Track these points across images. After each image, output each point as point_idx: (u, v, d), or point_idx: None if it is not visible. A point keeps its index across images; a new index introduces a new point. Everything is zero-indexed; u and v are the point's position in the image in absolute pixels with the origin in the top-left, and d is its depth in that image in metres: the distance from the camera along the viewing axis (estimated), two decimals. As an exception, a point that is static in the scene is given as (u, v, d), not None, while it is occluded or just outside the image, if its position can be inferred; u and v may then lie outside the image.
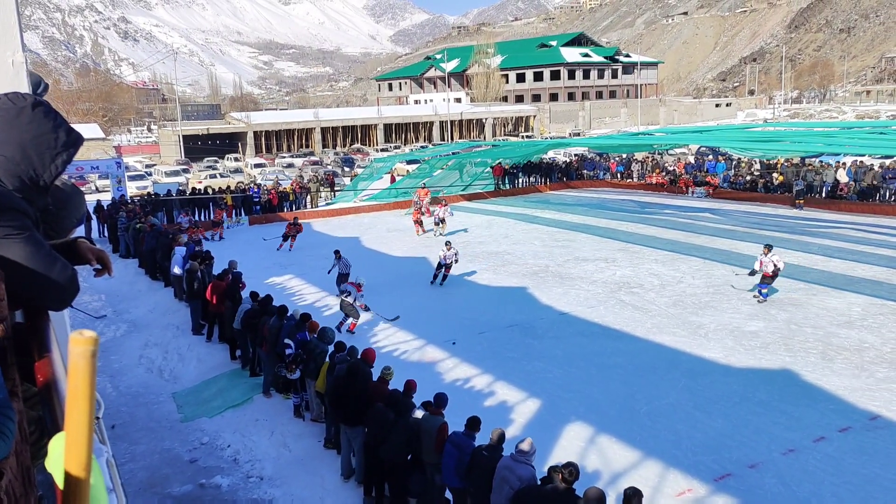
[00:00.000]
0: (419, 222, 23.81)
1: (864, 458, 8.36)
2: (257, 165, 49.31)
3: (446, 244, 17.00)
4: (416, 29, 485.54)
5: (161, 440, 10.09)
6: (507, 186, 33.84)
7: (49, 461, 1.12)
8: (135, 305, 16.87)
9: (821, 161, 29.81)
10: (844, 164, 28.12)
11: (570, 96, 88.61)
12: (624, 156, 36.36)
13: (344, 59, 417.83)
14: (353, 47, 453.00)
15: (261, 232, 25.01)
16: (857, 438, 8.84)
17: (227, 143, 64.82)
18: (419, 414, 7.68)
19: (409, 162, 38.16)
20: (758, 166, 32.32)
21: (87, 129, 51.16)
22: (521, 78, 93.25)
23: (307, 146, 67.95)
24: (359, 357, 8.91)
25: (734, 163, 33.51)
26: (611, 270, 17.85)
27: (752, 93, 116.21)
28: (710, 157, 35.26)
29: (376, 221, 27.31)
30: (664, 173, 33.83)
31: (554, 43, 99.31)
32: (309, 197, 31.03)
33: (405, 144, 70.16)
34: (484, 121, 78.44)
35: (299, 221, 22.83)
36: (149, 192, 31.43)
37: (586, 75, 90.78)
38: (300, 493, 8.43)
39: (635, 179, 35.07)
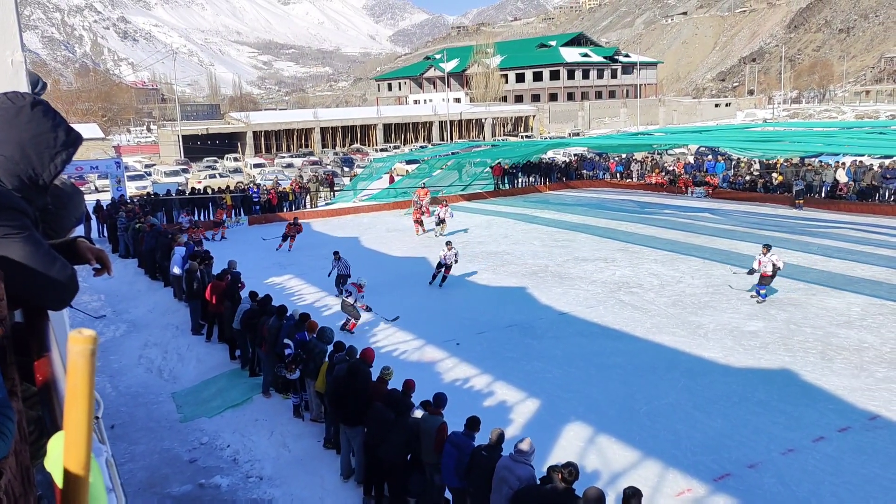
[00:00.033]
0: (419, 222, 23.82)
1: (864, 457, 8.37)
2: (257, 165, 49.31)
3: (447, 244, 16.99)
4: (416, 29, 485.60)
5: (160, 440, 10.09)
6: (507, 186, 33.84)
7: (48, 461, 1.12)
8: (134, 305, 16.87)
9: (820, 161, 29.82)
10: (844, 164, 28.12)
11: (570, 96, 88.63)
12: (623, 156, 36.35)
13: (343, 59, 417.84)
14: (353, 47, 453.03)
15: (260, 232, 25.00)
16: (856, 438, 8.85)
17: (227, 143, 64.82)
18: (418, 414, 7.68)
19: (409, 162, 38.17)
20: (757, 166, 32.33)
21: (87, 129, 51.11)
22: (520, 78, 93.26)
23: (306, 146, 67.95)
24: (358, 357, 8.91)
25: (734, 163, 33.51)
26: (610, 270, 17.86)
27: (751, 93, 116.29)
28: (710, 157, 35.26)
29: (376, 221, 27.30)
30: (663, 173, 33.83)
31: (553, 43, 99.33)
32: (308, 197, 31.03)
33: (404, 144, 70.16)
34: (483, 121, 78.44)
35: (299, 221, 22.81)
36: (148, 192, 31.42)
37: (586, 75, 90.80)
38: (300, 493, 8.43)
39: (635, 179, 35.07)
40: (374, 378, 8.59)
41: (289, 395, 10.50)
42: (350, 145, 68.96)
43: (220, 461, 9.40)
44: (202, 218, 26.90)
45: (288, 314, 10.93)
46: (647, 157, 37.14)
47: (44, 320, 1.78)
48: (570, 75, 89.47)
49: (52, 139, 1.75)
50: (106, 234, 24.61)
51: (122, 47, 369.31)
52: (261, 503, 8.38)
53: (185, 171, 46.32)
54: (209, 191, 29.84)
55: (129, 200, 26.49)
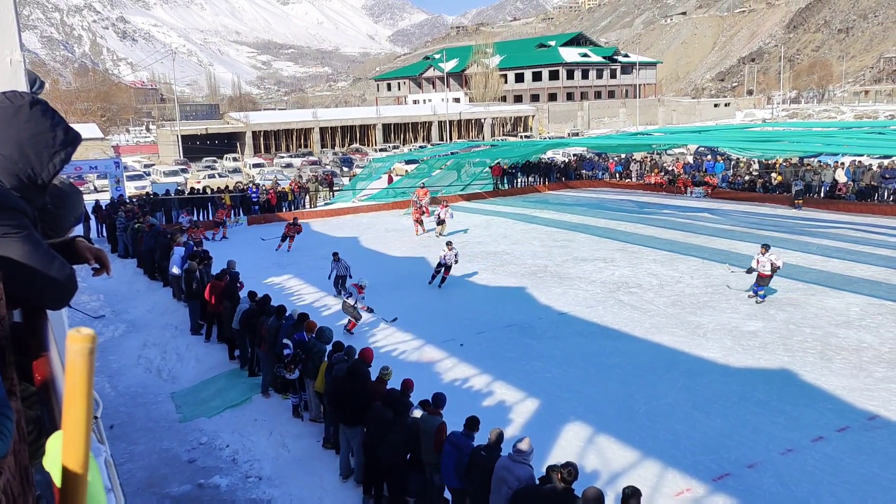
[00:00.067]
0: (420, 222, 23.83)
1: (863, 457, 8.37)
2: (256, 165, 49.31)
3: (447, 244, 16.98)
4: (415, 29, 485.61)
5: (160, 440, 10.08)
6: (506, 186, 33.84)
7: (47, 460, 1.12)
8: (133, 305, 16.86)
9: (819, 161, 29.84)
10: (843, 163, 28.15)
11: (569, 96, 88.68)
12: (622, 156, 36.37)
13: (342, 59, 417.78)
14: (352, 47, 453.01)
15: (259, 232, 25.00)
16: (855, 438, 8.85)
17: (226, 143, 64.85)
18: (417, 413, 7.68)
19: (408, 162, 38.18)
20: (756, 166, 32.35)
21: (86, 129, 51.07)
22: (519, 78, 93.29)
23: (306, 146, 67.94)
24: (357, 357, 8.90)
25: (733, 163, 33.53)
26: (609, 270, 17.86)
27: (750, 93, 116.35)
28: (709, 156, 35.27)
29: (375, 221, 27.31)
30: (663, 173, 33.84)
31: (553, 43, 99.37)
32: (307, 197, 31.03)
33: (404, 144, 70.17)
34: (483, 121, 78.45)
35: (299, 222, 22.79)
36: (147, 192, 31.43)
37: (585, 75, 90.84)
38: (299, 492, 8.43)
39: (634, 179, 35.08)
40: (374, 378, 8.59)
41: (288, 395, 10.50)
42: (349, 145, 68.96)
43: (220, 461, 9.40)
44: (202, 218, 26.89)
45: (287, 314, 10.93)
46: (647, 157, 37.17)
47: (42, 320, 1.78)
48: (570, 75, 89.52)
49: (50, 138, 1.75)
50: (105, 234, 24.61)
51: (121, 47, 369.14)
52: (260, 503, 8.38)
53: (184, 171, 46.32)
54: (208, 191, 29.83)
55: (128, 200, 26.48)
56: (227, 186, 31.13)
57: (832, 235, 20.87)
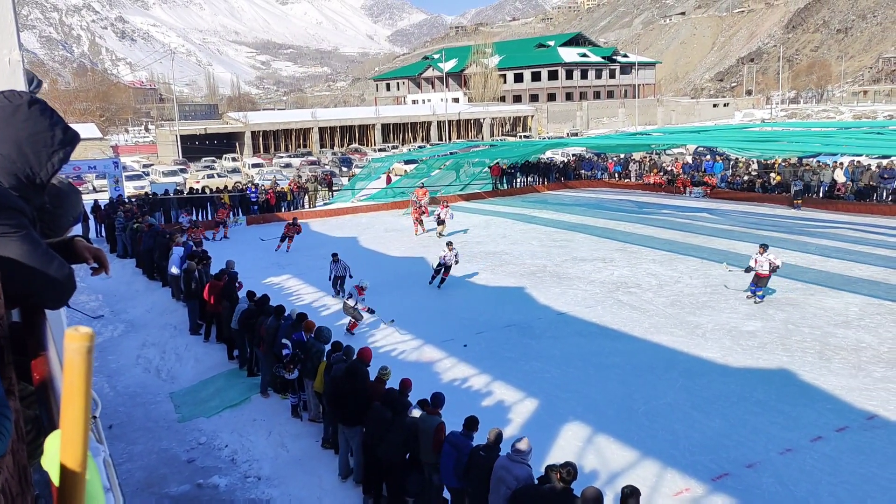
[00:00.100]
0: (420, 221, 23.83)
1: (862, 457, 8.37)
2: (255, 165, 49.28)
3: (448, 244, 16.98)
4: (414, 29, 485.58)
5: (158, 440, 10.08)
6: (505, 186, 33.84)
7: (45, 459, 1.12)
8: (132, 305, 16.85)
9: (818, 161, 29.85)
10: (842, 164, 28.17)
11: (568, 96, 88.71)
12: (622, 156, 36.38)
13: (341, 59, 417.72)
14: (351, 47, 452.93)
15: (258, 232, 24.99)
16: (854, 438, 8.86)
17: (225, 143, 64.81)
18: (416, 413, 7.68)
19: (407, 162, 38.17)
20: (755, 166, 32.36)
21: (85, 129, 51.07)
22: (518, 78, 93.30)
23: (305, 146, 67.91)
24: (355, 357, 8.90)
25: (732, 163, 33.54)
26: (608, 270, 17.87)
27: (749, 93, 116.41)
28: (708, 157, 35.28)
29: (374, 221, 27.30)
30: (662, 173, 33.86)
31: (552, 43, 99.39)
32: (307, 197, 31.02)
33: (403, 144, 70.15)
34: (482, 121, 78.45)
35: (298, 222, 22.77)
36: (146, 192, 31.41)
37: (584, 75, 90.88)
38: (298, 492, 8.42)
39: (633, 179, 35.09)
40: (372, 378, 8.59)
41: (287, 395, 10.49)
42: (348, 145, 68.94)
43: (219, 461, 9.40)
44: (201, 218, 26.87)
45: (286, 314, 10.93)
46: (646, 157, 37.18)
47: (41, 319, 1.78)
48: (569, 75, 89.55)
49: (49, 137, 1.75)
50: (104, 233, 24.61)
51: (120, 47, 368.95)
52: (259, 503, 8.37)
53: (183, 171, 46.32)
54: (207, 191, 29.82)
55: (127, 200, 26.47)
56: (225, 186, 31.12)
57: (831, 235, 20.89)
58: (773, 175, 29.54)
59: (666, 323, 13.61)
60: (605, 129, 77.20)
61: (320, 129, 69.54)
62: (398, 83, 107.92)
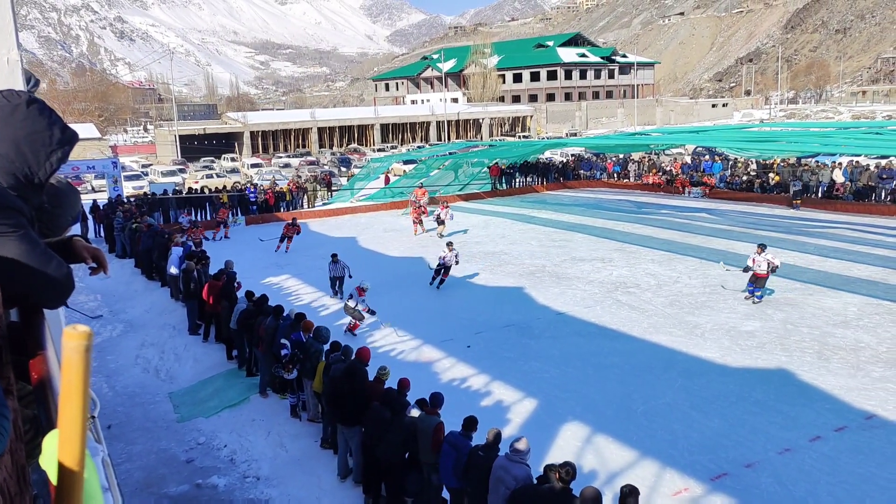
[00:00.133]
0: (419, 221, 23.82)
1: (860, 457, 8.38)
2: (254, 165, 49.23)
3: (448, 245, 16.97)
4: (413, 29, 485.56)
5: (157, 440, 10.07)
6: (504, 186, 33.85)
7: (43, 458, 1.12)
8: (131, 305, 16.84)
9: (817, 161, 29.87)
10: (840, 164, 28.20)
11: (567, 96, 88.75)
12: (620, 156, 36.39)
13: (340, 59, 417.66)
14: (350, 47, 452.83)
15: (258, 232, 24.98)
16: (853, 438, 8.86)
17: (224, 143, 64.77)
18: (415, 413, 7.68)
19: (406, 162, 38.16)
20: (754, 166, 32.38)
21: (84, 129, 51.05)
22: (517, 78, 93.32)
23: (304, 146, 67.88)
24: (353, 357, 8.90)
25: (731, 163, 33.56)
26: (607, 270, 17.87)
27: (748, 93, 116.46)
28: (707, 157, 35.30)
29: (373, 221, 27.30)
30: (661, 173, 33.88)
31: (551, 43, 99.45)
32: (306, 197, 31.01)
33: (402, 144, 70.15)
34: (481, 121, 78.45)
35: (298, 222, 22.75)
36: (145, 192, 31.39)
37: (583, 75, 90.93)
38: (297, 493, 8.42)
39: (632, 179, 35.11)
40: (371, 378, 8.59)
41: (286, 395, 10.49)
42: (347, 145, 68.93)
43: (217, 461, 9.39)
44: (200, 218, 26.86)
45: (284, 314, 10.92)
46: (645, 158, 37.20)
47: (40, 319, 1.78)
48: (568, 75, 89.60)
49: (47, 137, 1.75)
50: (102, 233, 24.59)
51: (119, 47, 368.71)
52: (258, 503, 8.37)
53: (181, 171, 46.28)
54: (206, 191, 29.80)
55: (125, 200, 26.45)
56: (224, 186, 31.10)
57: (830, 235, 20.91)
58: (771, 175, 29.56)
59: (665, 323, 13.62)
60: (603, 129, 77.25)
61: (319, 129, 69.51)
62: (397, 83, 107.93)
